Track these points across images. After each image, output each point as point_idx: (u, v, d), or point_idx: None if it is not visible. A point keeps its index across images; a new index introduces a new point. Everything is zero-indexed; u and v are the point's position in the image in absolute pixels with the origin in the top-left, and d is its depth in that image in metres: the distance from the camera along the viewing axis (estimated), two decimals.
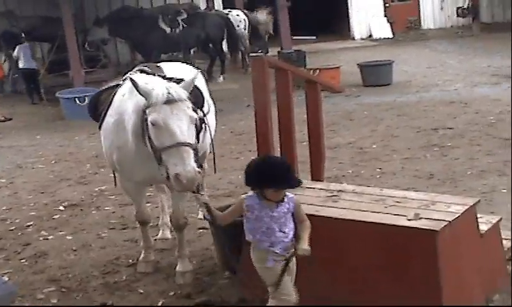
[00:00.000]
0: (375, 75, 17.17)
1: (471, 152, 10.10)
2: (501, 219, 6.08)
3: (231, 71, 20.97)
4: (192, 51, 21.82)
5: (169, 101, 5.10)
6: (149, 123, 5.11)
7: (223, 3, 25.59)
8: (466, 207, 5.35)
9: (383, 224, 5.17)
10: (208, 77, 18.28)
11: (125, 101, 5.68)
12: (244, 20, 21.96)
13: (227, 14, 21.68)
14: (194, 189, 5.01)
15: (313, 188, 6.19)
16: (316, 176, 7.09)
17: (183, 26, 19.99)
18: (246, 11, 22.65)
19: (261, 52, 20.25)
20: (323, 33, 28.82)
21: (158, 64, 6.58)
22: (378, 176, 9.08)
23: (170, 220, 6.74)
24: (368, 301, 5.18)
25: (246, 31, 21.88)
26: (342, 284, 5.33)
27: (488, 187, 8.43)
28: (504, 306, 5.56)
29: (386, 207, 5.46)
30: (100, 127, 6.17)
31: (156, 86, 5.22)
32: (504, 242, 6.07)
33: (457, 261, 5.19)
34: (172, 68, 6.50)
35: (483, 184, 8.60)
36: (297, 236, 4.87)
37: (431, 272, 4.97)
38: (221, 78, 20.26)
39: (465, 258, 5.35)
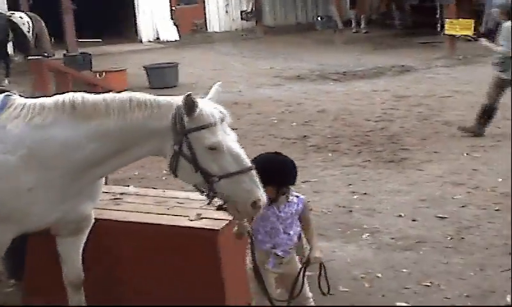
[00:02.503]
0: (161, 77, 17.25)
1: (254, 152, 10.36)
2: None
3: (18, 75, 20.16)
4: None
5: (222, 119, 4.43)
6: (202, 148, 4.31)
7: (7, 4, 24.54)
8: None
9: (164, 225, 5.22)
10: None
11: (40, 128, 4.44)
12: (28, 22, 21.19)
13: (9, 16, 20.82)
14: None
15: None
16: None
17: None
18: (30, 14, 21.86)
19: (47, 55, 19.63)
20: (111, 36, 28.49)
21: None
22: (164, 178, 9.12)
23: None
24: (152, 301, 5.20)
25: (30, 34, 21.11)
26: (127, 285, 5.32)
27: None
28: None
29: (168, 209, 5.52)
30: None
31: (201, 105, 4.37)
32: None
33: (238, 259, 5.34)
34: None
35: None
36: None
37: (212, 270, 5.08)
38: (6, 81, 19.42)
39: (245, 255, 5.51)
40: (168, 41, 27.23)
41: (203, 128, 4.30)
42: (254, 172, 4.32)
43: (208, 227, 5.11)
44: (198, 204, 5.50)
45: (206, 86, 16.17)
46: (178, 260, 5.13)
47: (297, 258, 4.87)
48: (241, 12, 28.81)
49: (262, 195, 4.30)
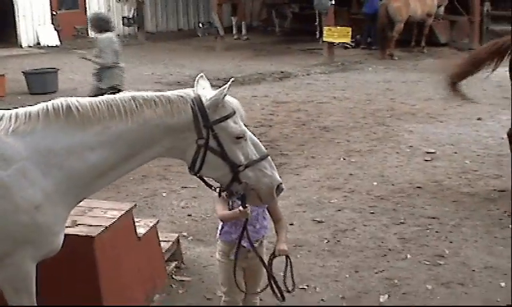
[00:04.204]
0: (40, 82, 16.88)
1: None
2: (158, 221, 6.34)
3: None
4: None
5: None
6: (229, 139, 4.18)
7: None
8: (123, 212, 5.50)
9: None
10: None
11: (31, 138, 4.04)
12: None
13: None
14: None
15: None
16: None
17: None
18: None
19: None
20: None
21: None
22: None
23: None
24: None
25: None
26: None
27: (150, 191, 8.73)
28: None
29: None
30: None
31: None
32: (163, 243, 6.33)
33: (116, 264, 5.32)
34: None
35: (145, 188, 8.89)
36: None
37: (90, 277, 5.04)
38: None
39: (124, 261, 5.49)
40: (48, 46, 26.62)
41: (227, 118, 4.19)
42: (270, 158, 4.34)
43: (84, 234, 5.06)
44: (73, 212, 5.42)
45: (86, 92, 15.95)
46: (57, 268, 5.03)
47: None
48: (123, 18, 28.49)
49: (281, 179, 4.34)
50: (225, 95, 4.16)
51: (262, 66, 20.07)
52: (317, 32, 24.09)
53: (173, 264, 6.50)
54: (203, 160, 4.20)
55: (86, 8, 28.92)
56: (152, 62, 21.35)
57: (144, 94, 4.21)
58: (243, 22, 26.55)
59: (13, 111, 4.14)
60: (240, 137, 4.20)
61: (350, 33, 19.89)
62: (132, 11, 28.15)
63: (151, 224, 6.05)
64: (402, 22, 20.31)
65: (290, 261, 4.80)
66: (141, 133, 4.11)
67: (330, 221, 7.71)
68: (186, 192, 8.68)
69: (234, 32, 26.68)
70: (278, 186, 4.31)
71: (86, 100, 4.15)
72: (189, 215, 7.94)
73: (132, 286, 5.59)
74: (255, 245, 4.82)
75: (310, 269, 6.52)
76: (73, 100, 4.13)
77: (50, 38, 27.44)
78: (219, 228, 4.99)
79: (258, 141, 4.34)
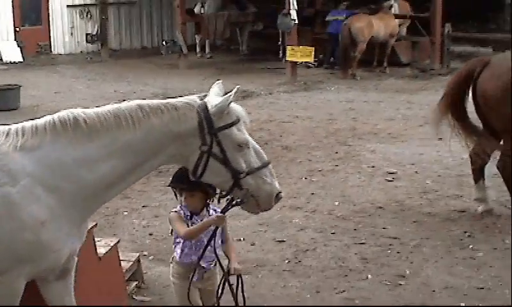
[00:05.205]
0: (2, 99, 16.69)
1: None
2: (119, 240, 6.30)
3: None
4: None
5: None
6: (232, 146, 4.26)
7: None
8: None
9: None
10: None
11: (39, 152, 4.05)
12: None
13: None
14: None
15: None
16: None
17: None
18: None
19: None
20: None
21: None
22: None
23: None
24: None
25: None
26: None
27: (111, 210, 8.66)
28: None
29: None
30: None
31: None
32: (123, 263, 6.29)
33: (76, 284, 5.25)
34: None
35: (106, 207, 8.79)
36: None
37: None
38: None
39: (84, 281, 5.42)
40: (11, 63, 26.36)
41: (232, 125, 4.26)
42: (271, 166, 4.43)
43: None
44: None
45: (49, 109, 15.81)
46: None
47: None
48: (86, 34, 28.31)
49: (279, 187, 4.44)
50: (230, 102, 4.23)
51: (224, 84, 19.77)
52: (280, 52, 24.19)
53: (134, 284, 6.47)
54: (205, 167, 4.27)
55: (49, 24, 28.72)
56: (115, 79, 21.24)
57: (150, 102, 4.27)
58: (207, 41, 26.53)
59: (19, 125, 4.17)
60: (243, 145, 4.29)
61: (313, 53, 19.97)
62: (96, 28, 28.00)
63: (112, 244, 6.00)
64: (364, 42, 20.47)
65: (242, 280, 4.86)
66: (148, 141, 4.18)
67: (291, 241, 7.73)
68: (147, 211, 8.65)
69: (198, 50, 26.66)
70: (277, 194, 4.43)
71: (91, 111, 4.19)
72: (150, 234, 7.91)
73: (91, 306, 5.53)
74: (211, 265, 4.95)
75: (271, 289, 6.53)
76: (79, 112, 4.18)
77: (13, 54, 27.18)
78: (178, 250, 4.99)
79: (259, 148, 4.41)
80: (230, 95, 4.23)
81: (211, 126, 4.21)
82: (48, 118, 4.18)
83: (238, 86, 4.45)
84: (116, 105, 4.24)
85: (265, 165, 4.38)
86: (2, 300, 4.15)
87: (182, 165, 4.45)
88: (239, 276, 4.86)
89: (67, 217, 4.10)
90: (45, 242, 4.03)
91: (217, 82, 4.52)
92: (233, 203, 4.48)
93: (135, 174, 4.28)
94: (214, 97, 4.34)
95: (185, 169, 4.50)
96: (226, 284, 4.84)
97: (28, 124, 4.18)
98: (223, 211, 4.59)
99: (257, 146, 4.40)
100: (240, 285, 4.84)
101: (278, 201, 4.49)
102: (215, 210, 4.94)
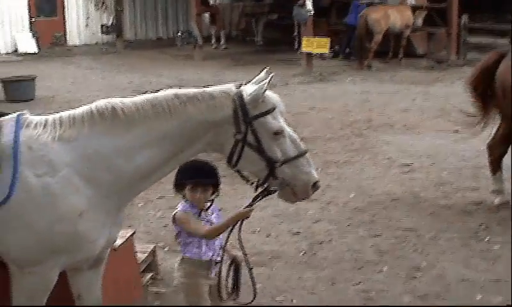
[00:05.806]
0: (18, 90, 16.76)
1: None
2: (135, 232, 6.30)
3: None
4: None
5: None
6: (267, 134, 4.19)
7: None
8: None
9: None
10: None
11: (77, 142, 4.05)
12: None
13: None
14: None
15: None
16: None
17: None
18: None
19: None
20: None
21: None
22: None
23: None
24: None
25: None
26: None
27: None
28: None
29: None
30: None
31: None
32: (139, 254, 6.30)
33: None
34: None
35: None
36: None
37: (63, 288, 4.97)
38: None
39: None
40: (26, 54, 26.46)
41: (267, 114, 4.20)
42: (309, 155, 4.32)
43: None
44: None
45: (64, 100, 15.84)
46: None
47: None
48: (101, 26, 28.39)
49: (317, 176, 4.33)
50: (265, 90, 4.17)
51: (240, 75, 19.81)
52: (296, 43, 24.15)
53: (149, 275, 6.46)
54: (240, 155, 4.23)
55: (64, 16, 28.80)
56: (129, 70, 21.29)
57: (187, 91, 4.26)
58: (222, 32, 26.55)
59: (57, 116, 4.20)
60: (278, 133, 4.21)
61: (328, 44, 19.92)
62: (111, 19, 28.05)
63: (127, 235, 6.00)
64: (381, 34, 20.40)
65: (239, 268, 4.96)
66: (185, 130, 4.15)
67: (307, 233, 7.71)
68: (163, 202, 8.64)
69: (213, 41, 26.69)
70: (314, 184, 4.32)
71: (128, 101, 4.19)
72: (165, 226, 7.90)
73: (108, 296, 5.52)
74: (218, 257, 4.92)
75: (286, 281, 6.51)
76: (117, 101, 4.17)
77: (28, 45, 27.28)
78: (194, 249, 4.86)
79: (296, 136, 4.33)
80: (265, 83, 4.16)
81: (246, 115, 4.17)
82: (85, 107, 4.18)
83: (272, 74, 4.32)
84: (152, 94, 4.23)
85: (302, 154, 4.29)
86: (35, 291, 4.19)
87: (217, 152, 4.41)
88: (238, 264, 4.91)
89: (104, 207, 4.11)
90: (82, 233, 4.05)
91: (266, 67, 4.42)
92: (266, 192, 4.41)
93: (170, 164, 4.29)
94: (250, 85, 4.30)
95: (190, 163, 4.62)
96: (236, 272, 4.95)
97: (65, 114, 4.19)
98: (254, 200, 4.51)
99: (294, 134, 4.32)
100: (239, 273, 4.94)
101: (316, 190, 4.39)
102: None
